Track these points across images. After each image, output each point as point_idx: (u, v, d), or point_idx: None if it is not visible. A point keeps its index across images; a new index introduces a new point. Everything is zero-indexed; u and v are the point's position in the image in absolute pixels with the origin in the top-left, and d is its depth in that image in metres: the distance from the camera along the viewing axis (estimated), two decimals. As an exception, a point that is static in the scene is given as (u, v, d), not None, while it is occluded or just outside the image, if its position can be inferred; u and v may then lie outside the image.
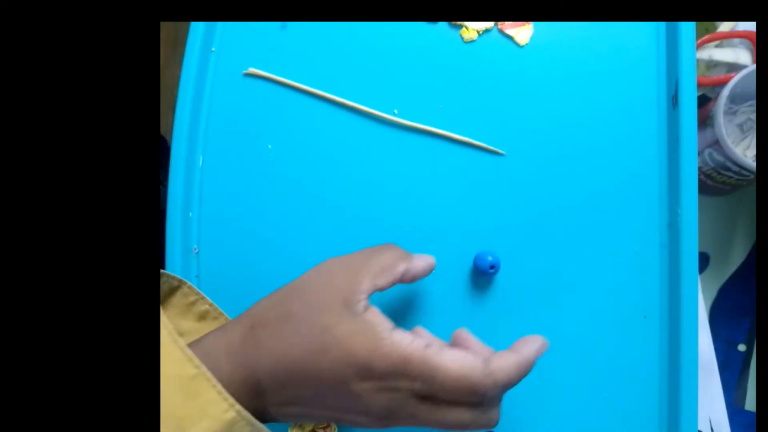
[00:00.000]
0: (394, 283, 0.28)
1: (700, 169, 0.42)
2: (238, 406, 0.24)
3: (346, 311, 0.26)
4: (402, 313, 0.36)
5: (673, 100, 0.35)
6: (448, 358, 0.24)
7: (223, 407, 0.24)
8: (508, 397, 0.35)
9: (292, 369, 0.26)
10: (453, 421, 0.25)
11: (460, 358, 0.25)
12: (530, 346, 0.27)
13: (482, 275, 0.34)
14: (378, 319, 0.26)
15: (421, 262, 0.29)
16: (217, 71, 0.38)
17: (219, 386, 0.24)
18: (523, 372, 0.26)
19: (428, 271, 0.30)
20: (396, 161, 0.37)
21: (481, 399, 0.25)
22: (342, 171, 0.37)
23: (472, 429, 0.25)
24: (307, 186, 0.37)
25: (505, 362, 0.25)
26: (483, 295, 0.35)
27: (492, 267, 0.33)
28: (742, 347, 0.44)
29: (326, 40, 0.38)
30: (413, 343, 0.25)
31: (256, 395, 0.26)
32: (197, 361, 0.24)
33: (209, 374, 0.24)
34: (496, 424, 0.26)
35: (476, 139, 0.36)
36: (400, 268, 0.28)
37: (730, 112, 0.43)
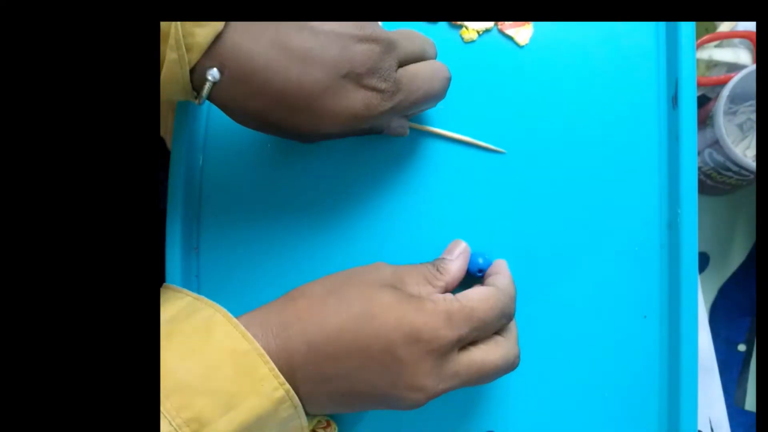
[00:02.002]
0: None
1: (700, 169, 0.42)
2: (287, 385, 0.24)
3: (391, 288, 0.28)
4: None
5: (673, 100, 0.35)
6: (475, 297, 0.28)
7: (274, 385, 0.24)
8: (509, 396, 0.35)
9: (334, 337, 0.25)
10: (497, 356, 0.28)
11: (482, 290, 0.29)
12: (499, 266, 0.32)
13: (470, 277, 0.34)
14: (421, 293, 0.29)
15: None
16: (217, 71, 0.38)
17: (271, 363, 0.24)
18: (512, 281, 0.31)
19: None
20: (396, 160, 0.37)
21: (509, 317, 0.29)
22: (342, 170, 0.37)
23: (511, 361, 0.29)
24: (307, 185, 0.37)
25: (502, 280, 0.31)
26: (483, 295, 0.35)
27: (480, 270, 0.33)
28: (742, 347, 0.44)
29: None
30: (447, 299, 0.28)
31: (287, 373, 0.25)
32: (250, 337, 0.24)
33: (262, 350, 0.24)
34: (519, 356, 0.30)
35: (476, 138, 0.36)
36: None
37: (730, 112, 0.43)
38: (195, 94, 0.26)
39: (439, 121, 0.37)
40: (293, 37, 0.26)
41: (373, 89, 0.28)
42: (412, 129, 0.36)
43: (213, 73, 0.25)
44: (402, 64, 0.29)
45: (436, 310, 0.26)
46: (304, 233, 0.36)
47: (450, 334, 0.26)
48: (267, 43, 0.25)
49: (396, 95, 0.29)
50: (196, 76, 0.26)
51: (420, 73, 0.30)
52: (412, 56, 0.30)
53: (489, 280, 0.31)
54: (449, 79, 0.32)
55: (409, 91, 0.29)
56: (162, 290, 0.29)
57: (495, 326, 0.29)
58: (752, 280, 0.44)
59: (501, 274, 0.31)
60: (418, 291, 0.29)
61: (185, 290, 0.29)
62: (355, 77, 0.27)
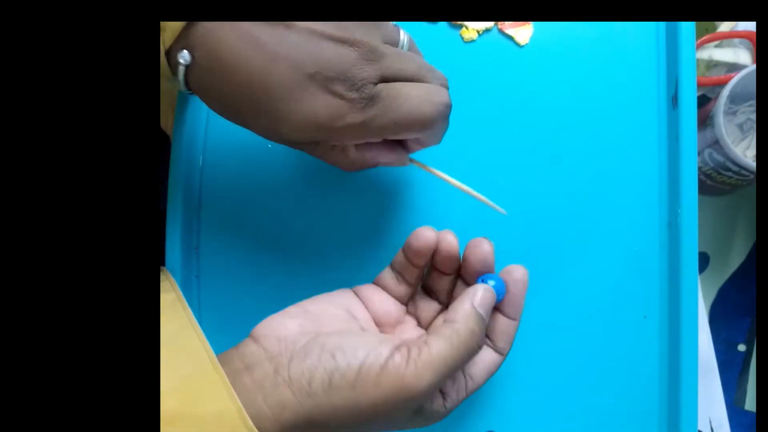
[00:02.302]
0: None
1: (700, 169, 0.42)
2: None
3: None
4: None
5: (673, 100, 0.35)
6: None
7: None
8: (509, 396, 0.35)
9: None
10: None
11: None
12: None
13: None
14: None
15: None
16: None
17: None
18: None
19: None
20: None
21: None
22: (340, 170, 0.37)
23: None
24: (307, 185, 0.37)
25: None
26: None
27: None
28: (742, 347, 0.44)
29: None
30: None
31: None
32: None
33: None
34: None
35: (476, 138, 0.36)
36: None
37: (730, 112, 0.43)
38: (172, 78, 0.26)
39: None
40: (265, 31, 0.24)
41: (341, 97, 0.25)
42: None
43: (184, 55, 0.24)
44: (387, 80, 0.26)
45: None
46: (305, 233, 0.36)
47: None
48: (238, 34, 0.24)
49: (368, 109, 0.25)
50: (171, 59, 0.25)
51: (405, 90, 0.26)
52: (402, 75, 0.26)
53: None
54: (448, 107, 0.27)
55: (386, 108, 0.25)
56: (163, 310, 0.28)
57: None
58: (752, 280, 0.44)
59: None
60: None
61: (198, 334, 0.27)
62: (323, 80, 0.25)
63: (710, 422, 0.42)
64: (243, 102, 0.25)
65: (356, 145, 0.28)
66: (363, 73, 0.25)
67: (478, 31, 0.37)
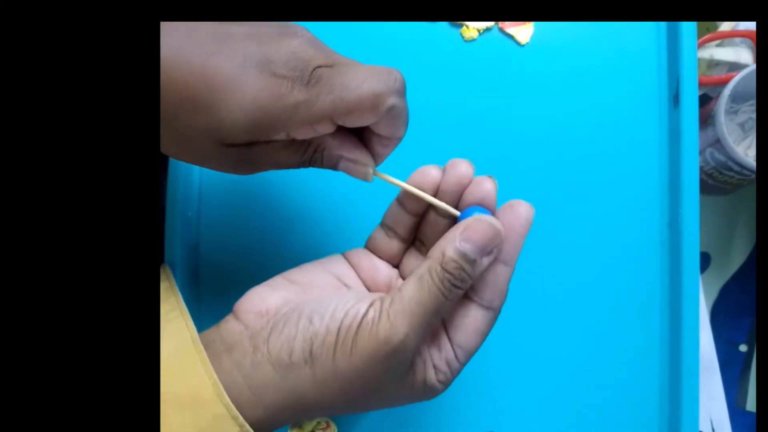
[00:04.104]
0: None
1: (701, 168, 0.42)
2: None
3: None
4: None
5: (674, 100, 0.35)
6: None
7: None
8: (509, 396, 0.35)
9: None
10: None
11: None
12: None
13: None
14: None
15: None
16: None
17: None
18: None
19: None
20: (396, 160, 0.36)
21: None
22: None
23: None
24: (306, 183, 0.37)
25: None
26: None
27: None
28: (743, 347, 0.44)
29: (326, 40, 0.38)
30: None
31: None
32: (242, 419, 0.23)
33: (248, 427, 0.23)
34: None
35: (475, 138, 0.36)
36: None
37: (732, 112, 0.43)
38: None
39: (439, 120, 0.37)
40: (205, 29, 0.24)
41: (283, 77, 0.23)
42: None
43: None
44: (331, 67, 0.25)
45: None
46: (304, 233, 0.36)
47: None
48: (178, 34, 0.23)
49: (312, 87, 0.23)
50: None
51: (352, 68, 0.24)
52: (347, 60, 0.25)
53: None
54: (400, 83, 0.25)
55: (332, 85, 0.24)
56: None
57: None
58: (754, 280, 0.44)
59: None
60: None
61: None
62: (265, 64, 0.23)
63: (711, 422, 0.42)
64: (180, 105, 0.23)
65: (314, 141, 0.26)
66: (306, 55, 0.24)
67: (478, 30, 0.37)
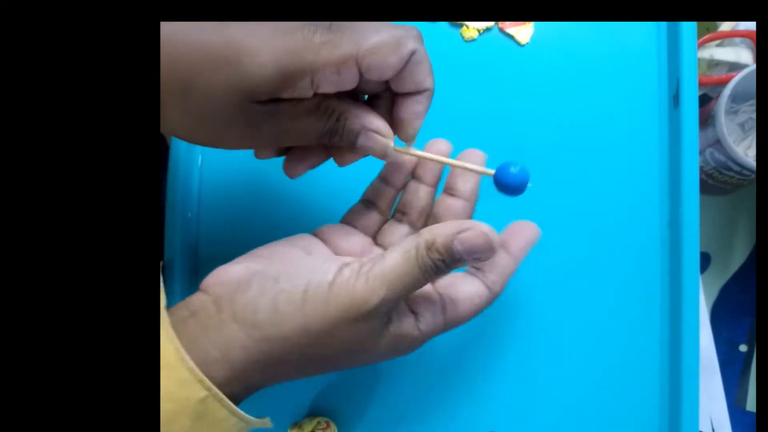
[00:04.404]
0: None
1: (701, 168, 0.42)
2: (247, 417, 0.24)
3: None
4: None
5: (674, 100, 0.35)
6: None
7: (233, 422, 0.23)
8: (509, 396, 0.35)
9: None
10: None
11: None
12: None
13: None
14: None
15: None
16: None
17: (231, 404, 0.23)
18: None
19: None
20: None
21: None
22: (343, 170, 0.37)
23: None
24: (306, 184, 0.37)
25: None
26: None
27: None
28: (743, 347, 0.44)
29: (326, 40, 0.38)
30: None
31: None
32: (208, 382, 0.23)
33: (220, 394, 0.23)
34: None
35: (475, 138, 0.36)
36: None
37: (732, 112, 0.43)
38: None
39: (439, 120, 0.36)
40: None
41: (304, 26, 0.23)
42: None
43: None
44: None
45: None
46: (304, 231, 0.36)
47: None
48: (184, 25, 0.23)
49: (334, 31, 0.23)
50: None
51: (367, 22, 0.24)
52: None
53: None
54: (418, 33, 0.25)
55: (353, 30, 0.23)
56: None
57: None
58: (754, 280, 0.44)
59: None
60: None
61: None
62: (287, 29, 0.23)
63: (711, 422, 0.42)
64: (200, 65, 0.23)
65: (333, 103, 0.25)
66: (325, 24, 0.24)
67: (478, 30, 0.37)
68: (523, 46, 0.37)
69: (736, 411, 0.43)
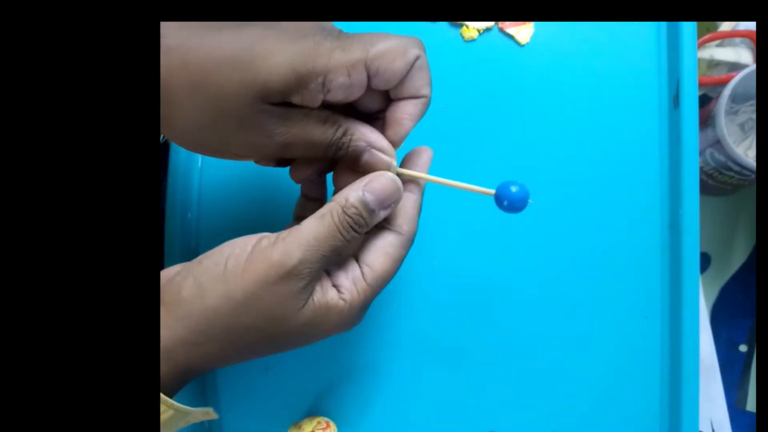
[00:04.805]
0: None
1: (701, 168, 0.42)
2: (177, 405, 0.24)
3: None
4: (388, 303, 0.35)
5: (674, 100, 0.35)
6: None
7: (161, 409, 0.24)
8: (509, 396, 0.35)
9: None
10: None
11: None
12: None
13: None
14: None
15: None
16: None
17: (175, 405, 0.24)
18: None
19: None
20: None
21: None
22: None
23: None
24: (306, 186, 0.36)
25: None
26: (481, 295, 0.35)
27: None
28: (743, 348, 0.44)
29: (326, 40, 0.38)
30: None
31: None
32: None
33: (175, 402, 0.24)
34: None
35: (475, 138, 0.36)
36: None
37: (732, 112, 0.43)
38: None
39: (439, 121, 0.36)
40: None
41: (314, 33, 0.24)
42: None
43: None
44: None
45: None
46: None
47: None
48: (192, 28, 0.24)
49: (342, 39, 0.24)
50: None
51: (372, 33, 0.25)
52: None
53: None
54: (421, 44, 0.26)
55: (360, 38, 0.24)
56: None
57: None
58: (754, 280, 0.44)
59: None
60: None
61: None
62: (296, 31, 0.24)
63: (711, 423, 0.42)
64: (213, 66, 0.23)
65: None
66: (335, 31, 0.25)
67: (478, 30, 0.37)
68: (523, 46, 0.37)
69: (736, 411, 0.43)
